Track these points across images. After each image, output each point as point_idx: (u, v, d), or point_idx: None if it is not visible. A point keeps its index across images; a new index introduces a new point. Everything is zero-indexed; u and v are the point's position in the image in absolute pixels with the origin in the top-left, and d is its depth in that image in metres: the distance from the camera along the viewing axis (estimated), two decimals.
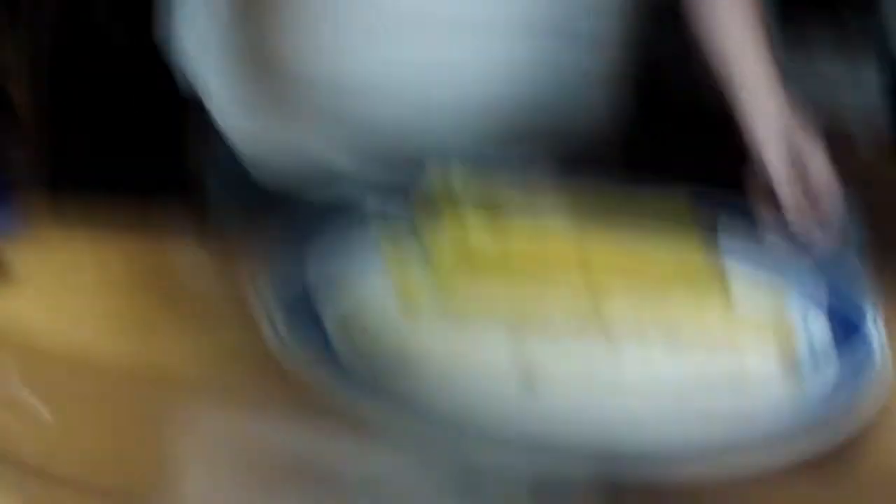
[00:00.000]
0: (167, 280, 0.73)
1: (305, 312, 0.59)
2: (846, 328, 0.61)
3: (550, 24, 0.90)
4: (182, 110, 1.03)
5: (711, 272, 0.65)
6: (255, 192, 0.97)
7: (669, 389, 0.55)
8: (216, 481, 0.54)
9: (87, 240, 0.78)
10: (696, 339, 0.58)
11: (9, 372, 0.59)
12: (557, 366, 0.55)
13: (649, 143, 1.07)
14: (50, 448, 0.54)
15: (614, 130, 1.02)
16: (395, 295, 0.61)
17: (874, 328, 0.60)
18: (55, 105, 1.88)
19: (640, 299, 0.60)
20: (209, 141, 1.02)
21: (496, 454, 0.51)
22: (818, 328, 0.62)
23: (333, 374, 0.52)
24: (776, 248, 0.73)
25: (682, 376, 0.55)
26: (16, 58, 1.79)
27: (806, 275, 0.68)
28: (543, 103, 0.92)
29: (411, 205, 0.65)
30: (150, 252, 0.77)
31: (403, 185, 0.72)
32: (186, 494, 0.54)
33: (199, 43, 0.99)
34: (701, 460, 0.50)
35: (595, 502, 0.53)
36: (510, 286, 0.61)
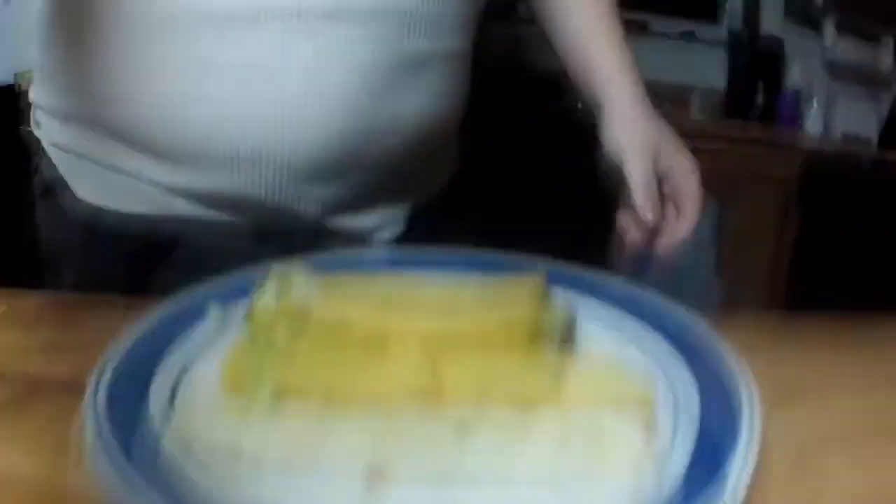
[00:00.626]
0: None
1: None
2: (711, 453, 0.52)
3: (370, 5, 0.85)
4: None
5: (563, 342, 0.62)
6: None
7: (525, 476, 0.50)
8: None
9: None
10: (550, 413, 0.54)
11: None
12: (404, 460, 0.50)
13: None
14: None
15: (453, 118, 1.02)
16: (224, 388, 0.57)
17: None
18: None
19: (484, 372, 0.56)
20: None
21: None
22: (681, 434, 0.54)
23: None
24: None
25: (536, 458, 0.51)
26: None
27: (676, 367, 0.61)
28: (377, 91, 0.88)
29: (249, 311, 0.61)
30: None
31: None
32: None
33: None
34: None
35: None
36: (344, 362, 0.57)
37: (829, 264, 3.12)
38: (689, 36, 4.13)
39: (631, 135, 1.04)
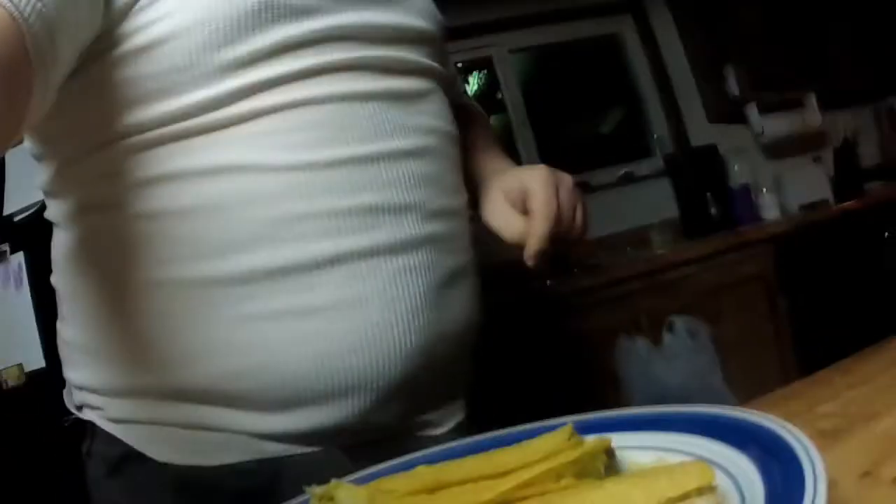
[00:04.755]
0: None
1: None
2: None
3: (419, 236, 0.98)
4: None
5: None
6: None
7: None
8: None
9: None
10: None
11: None
12: None
13: None
14: None
15: (482, 316, 1.10)
16: None
17: None
18: None
19: None
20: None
21: None
22: None
23: None
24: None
25: None
26: None
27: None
28: (435, 306, 0.98)
29: None
30: None
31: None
32: None
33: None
34: None
35: None
36: None
37: (830, 334, 3.11)
38: (629, 177, 4.23)
39: (488, 205, 1.18)
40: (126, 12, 0.89)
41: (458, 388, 1.10)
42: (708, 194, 4.06)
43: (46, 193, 1.05)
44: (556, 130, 4.36)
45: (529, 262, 1.09)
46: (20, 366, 2.99)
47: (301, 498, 0.63)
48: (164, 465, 0.98)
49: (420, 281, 0.96)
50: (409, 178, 0.97)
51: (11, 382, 3.01)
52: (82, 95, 0.92)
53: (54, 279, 1.08)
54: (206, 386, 0.93)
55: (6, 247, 3.05)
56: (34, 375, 2.97)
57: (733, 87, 4.24)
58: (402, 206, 0.96)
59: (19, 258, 3.02)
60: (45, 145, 1.01)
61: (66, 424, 1.09)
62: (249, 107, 0.91)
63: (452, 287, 1.01)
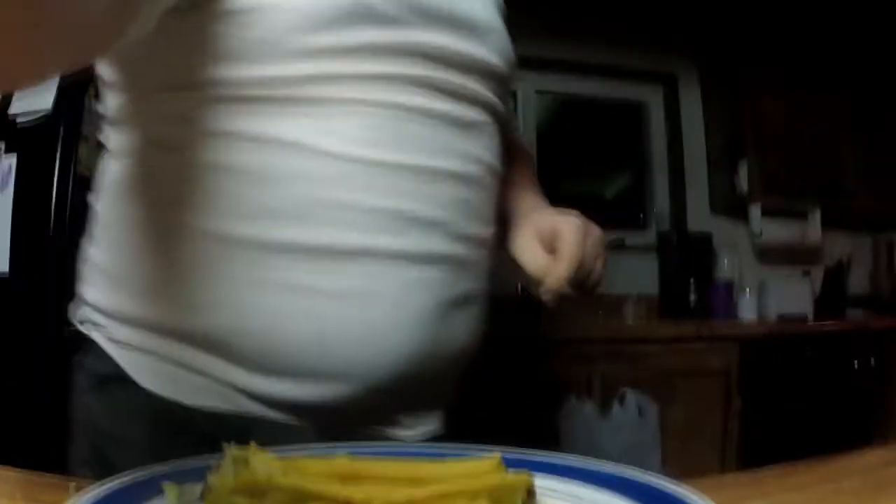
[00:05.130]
0: None
1: None
2: None
3: (438, 253, 1.03)
4: None
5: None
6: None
7: None
8: None
9: None
10: None
11: None
12: None
13: None
14: None
15: (479, 344, 1.15)
16: None
17: None
18: None
19: None
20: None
21: None
22: None
23: None
24: None
25: None
26: None
27: None
28: (439, 321, 1.03)
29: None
30: None
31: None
32: None
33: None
34: None
35: None
36: None
37: (775, 449, 3.12)
38: (619, 244, 4.21)
39: (519, 239, 1.24)
40: None
41: (440, 401, 1.14)
42: (692, 280, 4.07)
43: (108, 120, 1.11)
44: (559, 180, 4.36)
45: (545, 297, 1.15)
46: None
47: (218, 455, 0.62)
48: (146, 392, 1.03)
49: (431, 294, 1.02)
50: (446, 197, 1.03)
51: None
52: (177, 37, 0.97)
53: (95, 201, 1.14)
54: (208, 334, 0.99)
55: (1, 145, 3.03)
56: None
57: (742, 183, 4.26)
58: (434, 221, 1.02)
59: (11, 160, 3.00)
60: (125, 74, 1.06)
61: (67, 335, 1.16)
62: (320, 93, 0.97)
63: (460, 308, 1.06)
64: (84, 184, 3.04)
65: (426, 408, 1.11)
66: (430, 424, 1.12)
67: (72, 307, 1.17)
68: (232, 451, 0.62)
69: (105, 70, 1.08)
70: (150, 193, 1.04)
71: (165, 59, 0.99)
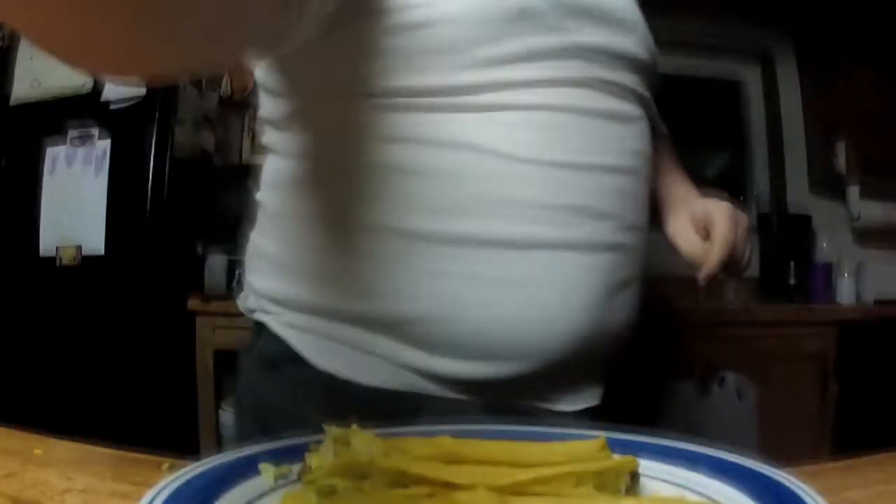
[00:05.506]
0: None
1: None
2: None
3: (603, 241, 1.07)
4: None
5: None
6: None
7: None
8: None
9: None
10: None
11: None
12: None
13: None
14: None
15: (635, 327, 1.19)
16: None
17: None
18: None
19: None
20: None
21: None
22: None
23: None
24: None
25: None
26: None
27: None
28: (602, 306, 1.07)
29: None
30: None
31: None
32: None
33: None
34: None
35: None
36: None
37: (872, 430, 3.06)
38: None
39: (675, 224, 1.34)
40: None
41: (599, 377, 1.17)
42: (791, 263, 4.00)
43: (272, 123, 1.18)
44: None
45: (701, 280, 1.23)
46: (79, 247, 3.03)
47: (319, 436, 0.62)
48: (320, 371, 1.09)
49: (601, 280, 1.06)
50: (613, 190, 1.08)
51: (66, 261, 3.05)
52: (347, 47, 1.03)
53: (262, 195, 1.21)
54: (386, 319, 1.04)
55: (95, 130, 3.08)
56: (91, 259, 3.01)
57: (840, 164, 4.17)
58: (603, 213, 1.07)
59: (106, 145, 3.06)
60: (292, 82, 1.12)
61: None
62: (492, 100, 1.02)
63: (623, 291, 1.11)
64: (180, 166, 3.09)
65: (587, 383, 1.15)
66: (589, 399, 1.15)
67: (240, 298, 1.25)
68: (333, 430, 0.62)
69: (265, 77, 1.15)
70: (325, 191, 1.10)
71: (335, 67, 1.05)
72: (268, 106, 1.18)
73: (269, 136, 1.20)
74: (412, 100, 1.02)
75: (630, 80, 1.14)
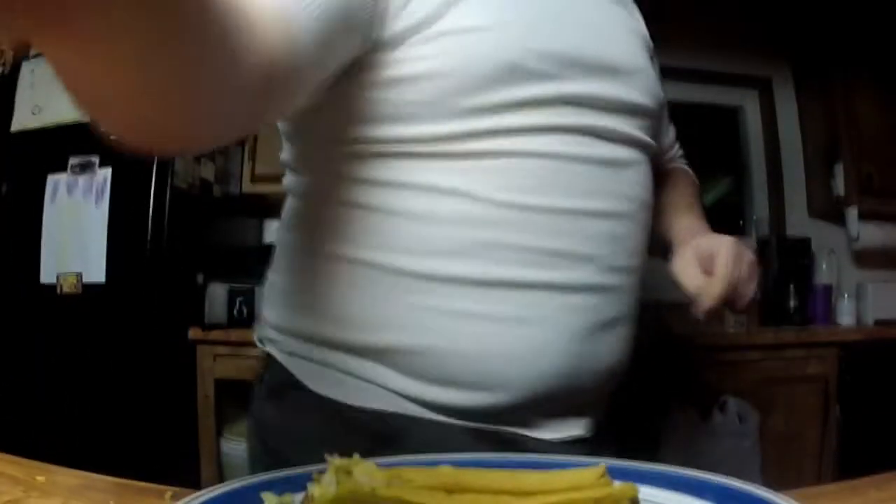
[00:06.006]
0: None
1: None
2: None
3: (590, 282, 1.10)
4: None
5: None
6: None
7: None
8: None
9: None
10: None
11: None
12: None
13: None
14: None
15: (628, 363, 1.22)
16: None
17: None
18: None
19: None
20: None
21: None
22: None
23: None
24: None
25: None
26: None
27: None
28: (588, 341, 1.11)
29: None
30: None
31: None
32: None
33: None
34: None
35: None
36: None
37: (876, 451, 3.05)
38: None
39: (680, 261, 1.32)
40: (397, 44, 1.03)
41: (585, 410, 1.19)
42: (791, 286, 4.00)
43: (287, 166, 1.24)
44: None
45: (699, 314, 1.24)
46: (79, 275, 3.03)
47: (322, 466, 0.62)
48: (317, 395, 1.13)
49: (583, 319, 1.10)
50: (598, 235, 1.11)
51: (66, 289, 3.05)
52: (343, 100, 1.07)
53: (278, 234, 1.28)
54: (372, 348, 1.09)
55: (96, 159, 3.09)
56: (91, 287, 3.01)
57: (839, 187, 4.17)
58: (585, 256, 1.10)
59: (106, 173, 3.06)
60: (298, 130, 1.19)
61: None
62: (478, 147, 1.05)
63: (609, 330, 1.14)
64: (181, 197, 3.10)
65: (571, 415, 1.17)
66: (574, 429, 1.17)
67: (255, 330, 1.31)
68: (335, 461, 0.62)
69: (282, 124, 1.20)
70: (319, 228, 1.14)
71: (331, 118, 1.09)
72: (285, 150, 1.23)
73: (286, 178, 1.25)
74: (400, 147, 1.06)
75: (627, 126, 1.16)
